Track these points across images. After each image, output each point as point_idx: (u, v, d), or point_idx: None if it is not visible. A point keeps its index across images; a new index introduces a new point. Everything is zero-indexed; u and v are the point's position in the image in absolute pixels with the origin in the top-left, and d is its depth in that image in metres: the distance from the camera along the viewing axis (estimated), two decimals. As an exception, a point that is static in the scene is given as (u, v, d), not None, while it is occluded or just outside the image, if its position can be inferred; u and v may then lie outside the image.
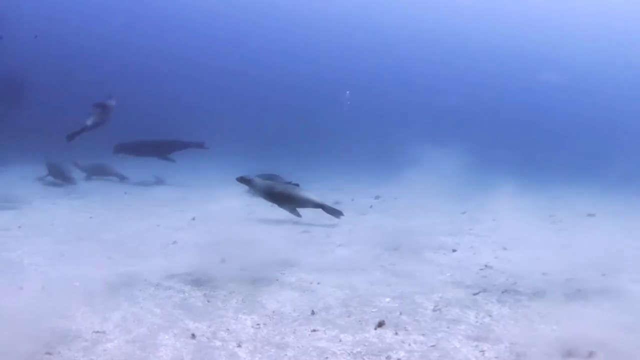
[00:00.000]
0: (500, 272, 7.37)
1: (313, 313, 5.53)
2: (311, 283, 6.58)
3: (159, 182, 18.32)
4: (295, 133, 38.02)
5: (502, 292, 6.41)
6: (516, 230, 10.50)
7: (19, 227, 9.96)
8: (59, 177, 17.11)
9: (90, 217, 11.07)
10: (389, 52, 56.85)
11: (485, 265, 7.65)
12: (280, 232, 9.98)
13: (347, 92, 39.96)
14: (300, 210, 11.15)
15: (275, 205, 11.30)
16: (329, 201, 13.90)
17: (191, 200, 14.06)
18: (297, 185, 19.43)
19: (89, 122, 14.73)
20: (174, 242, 8.79)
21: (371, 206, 13.57)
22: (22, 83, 27.05)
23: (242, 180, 11.17)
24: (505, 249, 8.89)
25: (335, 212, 11.12)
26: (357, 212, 12.50)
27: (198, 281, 6.60)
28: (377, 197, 15.32)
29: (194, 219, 11.06)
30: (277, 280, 6.71)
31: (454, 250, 8.60)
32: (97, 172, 18.79)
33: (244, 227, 10.39)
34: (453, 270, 7.37)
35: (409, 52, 57.12)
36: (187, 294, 6.15)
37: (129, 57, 47.08)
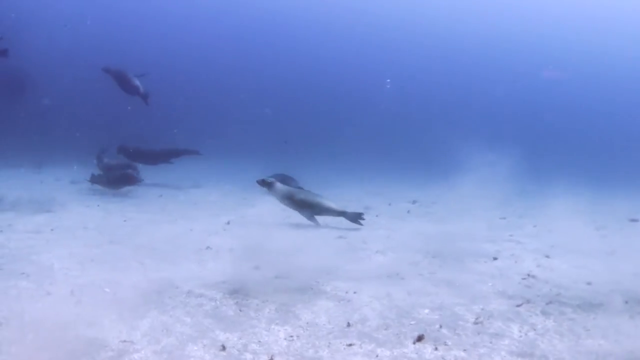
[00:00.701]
0: (543, 281, 7.03)
1: (349, 325, 5.28)
2: (347, 292, 6.32)
3: (195, 184, 18.26)
4: (331, 135, 37.73)
5: (547, 304, 6.08)
6: (558, 237, 10.16)
7: (52, 230, 9.91)
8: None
9: (124, 221, 10.96)
10: (429, 50, 56.22)
11: (528, 275, 7.31)
12: (315, 238, 9.75)
13: (388, 80, 39.65)
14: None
15: (294, 211, 11.18)
16: (365, 205, 13.74)
17: (226, 203, 13.92)
18: (302, 188, 19.33)
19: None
20: (208, 248, 8.60)
21: (409, 211, 13.25)
22: (23, 79, 27.43)
23: (263, 183, 11.01)
24: (547, 256, 8.53)
25: (357, 219, 10.90)
26: (394, 217, 12.24)
27: (231, 289, 6.39)
28: (414, 202, 15.00)
29: (228, 223, 10.90)
30: (311, 289, 6.45)
31: (495, 258, 8.25)
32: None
33: (279, 232, 10.21)
34: (494, 280, 7.03)
35: (449, 50, 56.39)
36: (218, 302, 5.94)
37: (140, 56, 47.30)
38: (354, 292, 6.30)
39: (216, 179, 20.84)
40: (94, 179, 15.77)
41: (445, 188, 19.09)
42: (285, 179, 19.35)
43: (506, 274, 7.32)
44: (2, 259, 7.62)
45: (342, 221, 11.51)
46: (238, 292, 6.26)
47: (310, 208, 10.79)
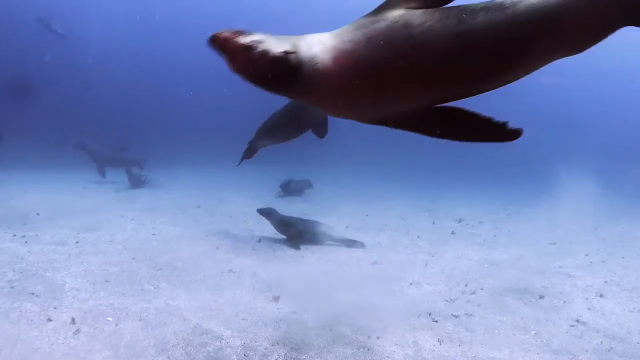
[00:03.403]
0: (594, 330, 6.19)
1: (364, 381, 4.62)
2: (369, 337, 5.63)
3: (235, 192, 17.94)
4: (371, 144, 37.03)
5: (597, 362, 5.31)
6: (612, 269, 9.25)
7: (77, 242, 9.56)
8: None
9: (153, 234, 10.52)
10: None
11: (577, 321, 6.45)
12: (347, 263, 9.03)
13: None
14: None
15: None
16: (407, 222, 13.02)
17: (262, 217, 13.35)
18: (311, 185, 18.84)
19: None
20: (230, 271, 8.02)
21: (453, 232, 12.41)
22: (29, 83, 27.74)
23: (262, 212, 10.88)
24: (600, 295, 7.59)
25: (356, 244, 10.35)
26: (437, 239, 11.43)
27: (239, 327, 5.83)
28: (460, 221, 14.16)
29: (259, 241, 10.36)
30: (330, 330, 5.79)
31: (541, 297, 7.36)
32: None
33: (311, 253, 9.62)
34: (539, 326, 6.21)
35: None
36: (223, 343, 5.38)
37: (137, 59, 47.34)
38: (377, 337, 5.61)
39: (258, 186, 20.50)
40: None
41: (494, 203, 18.38)
42: (299, 184, 19.00)
43: (553, 319, 6.47)
44: (17, 275, 7.28)
45: (382, 242, 10.87)
46: (246, 331, 5.67)
47: (307, 236, 10.35)
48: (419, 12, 3.07)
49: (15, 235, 9.77)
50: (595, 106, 52.64)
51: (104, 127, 33.14)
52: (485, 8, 3.08)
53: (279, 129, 8.24)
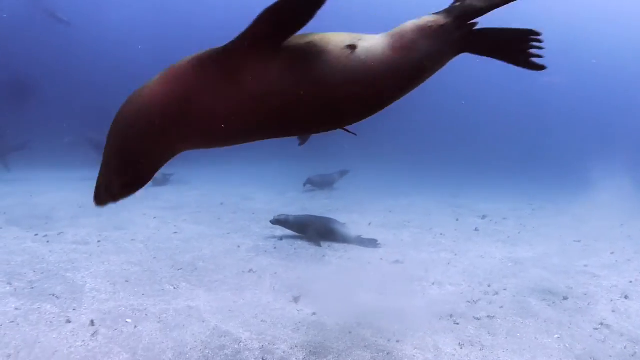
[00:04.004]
0: (618, 334, 6.03)
1: (382, 386, 4.55)
2: (389, 340, 5.56)
3: (260, 188, 17.95)
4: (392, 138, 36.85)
5: (620, 367, 5.18)
6: (638, 268, 9.09)
7: (99, 241, 9.59)
8: None
9: (175, 233, 10.53)
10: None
11: (601, 324, 6.31)
12: (370, 262, 8.93)
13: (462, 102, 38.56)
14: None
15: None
16: (431, 218, 12.89)
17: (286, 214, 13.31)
18: (348, 171, 18.78)
19: None
20: (250, 271, 7.99)
21: (476, 229, 12.26)
22: (26, 83, 27.87)
23: (277, 222, 10.60)
24: (625, 297, 7.40)
25: (371, 243, 10.25)
26: (460, 237, 11.29)
27: (258, 330, 5.79)
28: (484, 217, 13.99)
29: (281, 239, 10.30)
30: (349, 332, 5.72)
31: (565, 298, 7.21)
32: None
33: (333, 252, 9.55)
34: (562, 330, 6.07)
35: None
36: (242, 346, 5.33)
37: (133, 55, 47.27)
38: (397, 341, 5.53)
39: (281, 181, 20.50)
40: None
41: (517, 199, 18.16)
42: (325, 178, 18.99)
43: (576, 322, 6.33)
44: (38, 275, 7.31)
45: (404, 239, 10.78)
46: (265, 333, 5.62)
47: (325, 235, 10.30)
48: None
49: (37, 235, 9.82)
50: (624, 101, 51.82)
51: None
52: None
53: None
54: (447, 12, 3.42)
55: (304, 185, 18.83)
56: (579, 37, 50.98)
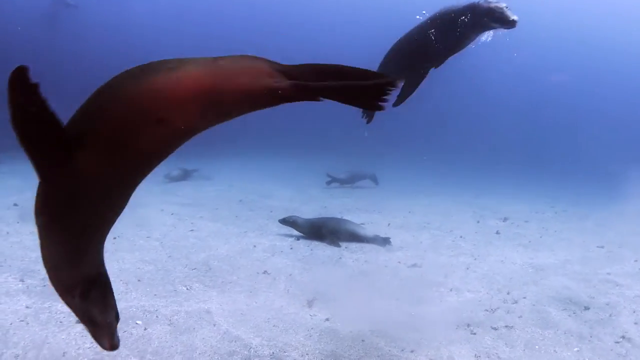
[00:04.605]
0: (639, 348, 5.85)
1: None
2: (402, 350, 5.41)
3: (282, 186, 17.88)
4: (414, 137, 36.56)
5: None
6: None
7: (114, 238, 9.51)
8: None
9: (191, 230, 10.46)
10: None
11: (623, 337, 6.09)
12: (386, 265, 8.77)
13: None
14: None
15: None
16: (451, 219, 12.71)
17: (306, 213, 13.15)
18: (376, 179, 18.69)
19: None
20: (265, 272, 7.87)
21: (497, 232, 12.02)
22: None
23: (286, 222, 10.47)
24: None
25: (385, 242, 10.15)
26: (480, 240, 11.09)
27: (269, 335, 5.67)
28: (505, 219, 13.74)
29: (298, 239, 10.17)
30: (362, 341, 5.59)
31: (586, 308, 6.99)
32: None
33: (349, 253, 9.41)
34: (582, 343, 5.87)
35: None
36: (252, 352, 5.22)
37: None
38: (411, 351, 5.38)
39: (302, 178, 20.42)
40: None
41: (539, 201, 17.87)
42: (356, 175, 18.95)
43: (597, 334, 6.13)
44: (50, 272, 7.21)
45: (423, 241, 10.62)
46: (276, 339, 5.51)
47: (337, 235, 10.12)
48: None
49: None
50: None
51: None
52: None
53: (399, 60, 6.87)
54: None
55: (328, 183, 18.77)
56: (604, 34, 50.34)
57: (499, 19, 5.93)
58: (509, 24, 5.92)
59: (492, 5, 5.96)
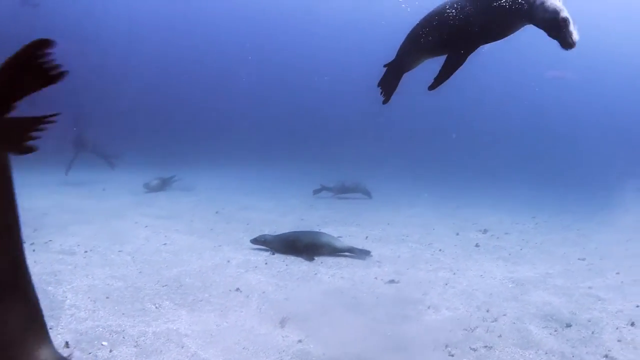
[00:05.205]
0: (623, 367, 5.68)
1: None
2: (376, 374, 5.21)
3: (259, 196, 17.72)
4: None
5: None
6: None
7: (85, 251, 9.30)
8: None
9: (164, 244, 10.19)
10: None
11: (606, 356, 5.93)
12: (363, 281, 8.53)
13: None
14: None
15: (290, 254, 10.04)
16: (432, 231, 12.53)
17: (283, 225, 12.93)
18: (368, 192, 18.61)
19: None
20: (237, 290, 7.62)
21: (477, 244, 11.86)
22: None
23: (257, 242, 10.22)
24: (632, 324, 7.00)
25: (362, 253, 10.08)
26: (460, 253, 10.90)
27: (238, 358, 5.43)
28: (485, 231, 13.59)
29: (273, 253, 9.94)
30: (333, 365, 5.39)
31: (568, 325, 6.81)
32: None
33: (326, 268, 9.20)
34: (564, 363, 5.72)
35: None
36: (221, 376, 4.98)
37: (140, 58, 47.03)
38: (384, 375, 5.18)
39: (284, 188, 20.26)
40: None
41: (520, 211, 17.79)
42: (347, 186, 18.85)
43: (580, 354, 5.94)
44: (17, 289, 6.93)
45: (402, 255, 10.42)
46: (245, 364, 5.29)
47: (313, 250, 9.93)
48: None
49: (24, 243, 9.48)
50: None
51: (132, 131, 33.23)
52: None
53: (433, 30, 5.80)
54: None
55: (316, 191, 18.72)
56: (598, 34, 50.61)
57: (559, 35, 4.85)
58: (566, 44, 4.86)
59: (562, 15, 4.82)
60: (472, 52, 5.50)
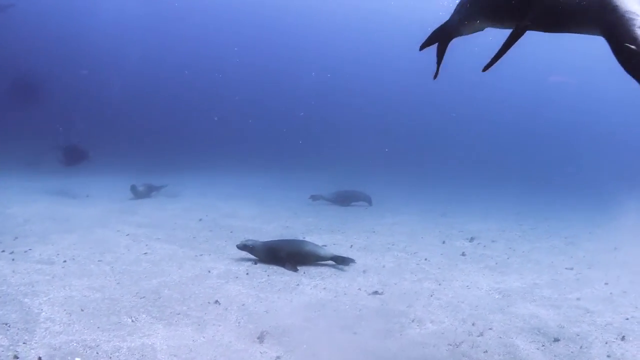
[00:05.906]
0: (614, 385, 5.54)
1: None
2: (356, 393, 5.04)
3: (245, 203, 17.56)
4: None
5: None
6: (633, 302, 8.58)
7: (64, 261, 9.12)
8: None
9: (145, 254, 9.99)
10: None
11: (595, 372, 5.82)
12: (345, 293, 8.32)
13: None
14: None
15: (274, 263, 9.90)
16: (418, 239, 12.35)
17: (267, 232, 12.77)
18: (370, 200, 18.45)
19: None
20: (216, 302, 7.42)
21: (463, 253, 11.71)
22: (32, 82, 27.46)
23: (244, 248, 10.01)
24: (622, 338, 6.88)
25: (346, 261, 9.98)
26: (445, 263, 10.75)
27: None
28: (472, 239, 13.46)
29: (256, 263, 9.76)
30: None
31: (556, 340, 6.68)
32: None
33: (309, 279, 9.02)
34: (551, 380, 5.57)
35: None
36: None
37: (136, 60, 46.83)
38: (365, 395, 5.01)
39: (269, 195, 20.10)
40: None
41: (508, 218, 17.71)
42: (349, 194, 18.73)
43: (567, 371, 5.83)
44: (-6, 300, 6.82)
45: (386, 265, 10.26)
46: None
47: (296, 258, 9.79)
48: None
49: (3, 252, 9.40)
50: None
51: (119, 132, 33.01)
52: None
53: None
54: None
55: (314, 198, 18.59)
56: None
57: (618, 48, 3.78)
58: (620, 54, 3.77)
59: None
60: (534, 23, 4.54)
